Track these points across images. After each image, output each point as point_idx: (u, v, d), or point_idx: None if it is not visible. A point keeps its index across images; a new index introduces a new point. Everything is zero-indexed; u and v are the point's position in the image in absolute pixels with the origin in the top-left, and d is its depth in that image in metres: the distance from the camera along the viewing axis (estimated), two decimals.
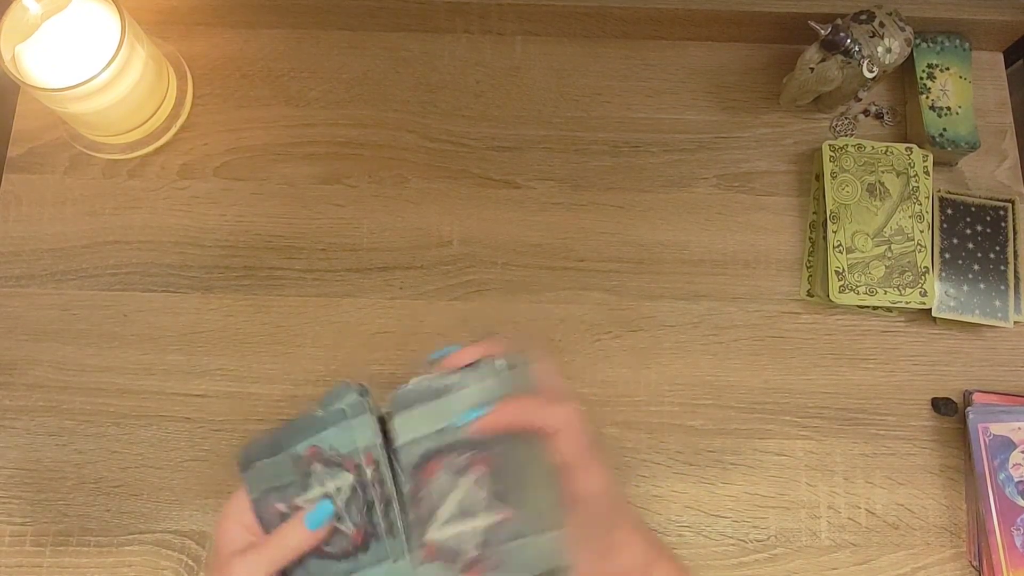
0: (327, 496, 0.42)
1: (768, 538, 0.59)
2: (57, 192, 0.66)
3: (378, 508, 0.41)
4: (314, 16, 0.70)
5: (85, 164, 0.67)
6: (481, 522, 0.39)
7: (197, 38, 0.70)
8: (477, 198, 0.67)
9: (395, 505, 0.41)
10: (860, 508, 0.60)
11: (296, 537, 0.41)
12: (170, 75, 0.67)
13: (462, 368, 0.42)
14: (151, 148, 0.66)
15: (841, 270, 0.62)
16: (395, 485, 0.42)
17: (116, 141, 0.66)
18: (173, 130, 0.67)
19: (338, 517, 0.41)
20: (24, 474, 0.59)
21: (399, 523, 0.41)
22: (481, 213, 0.66)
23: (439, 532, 0.40)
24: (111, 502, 0.59)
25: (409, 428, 0.42)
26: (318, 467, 0.43)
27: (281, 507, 0.42)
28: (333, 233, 0.65)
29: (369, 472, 0.42)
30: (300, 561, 0.42)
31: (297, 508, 0.42)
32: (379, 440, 0.42)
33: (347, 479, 0.42)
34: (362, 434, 0.42)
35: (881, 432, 0.62)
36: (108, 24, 0.60)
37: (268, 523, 0.43)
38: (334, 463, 0.43)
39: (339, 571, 0.42)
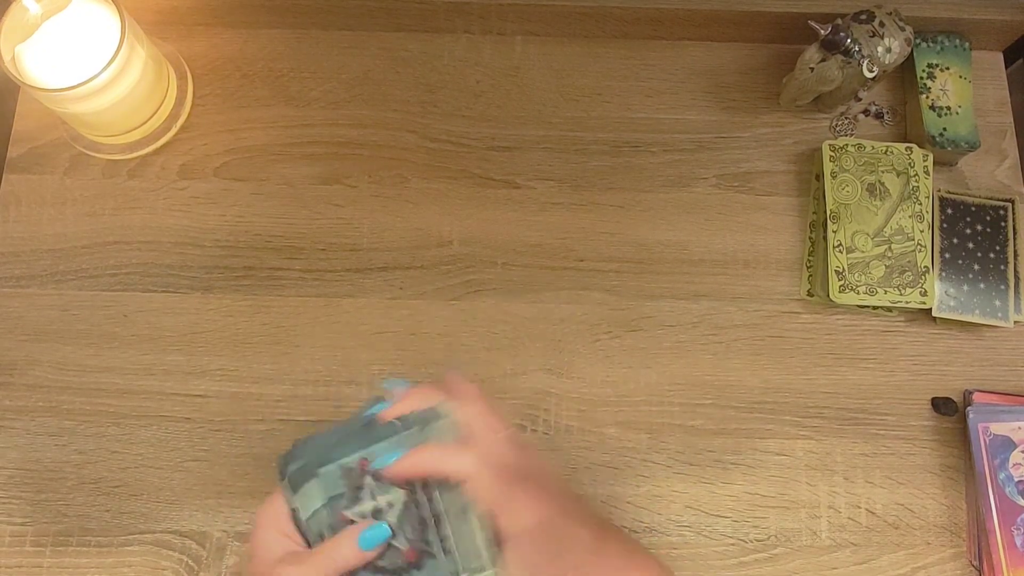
0: (378, 509, 0.42)
1: (768, 538, 0.59)
2: (57, 192, 0.66)
3: (432, 526, 0.41)
4: (314, 16, 0.70)
5: (85, 164, 0.67)
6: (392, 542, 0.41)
7: (197, 38, 0.70)
8: (477, 198, 0.67)
9: (446, 523, 0.41)
10: (860, 508, 0.60)
11: (347, 553, 0.40)
12: (170, 75, 0.67)
13: (380, 426, 0.43)
14: (151, 148, 0.66)
15: (841, 270, 0.62)
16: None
17: (116, 141, 0.66)
18: (173, 130, 0.67)
19: (392, 534, 0.41)
20: (24, 474, 0.59)
21: (452, 542, 0.41)
22: (481, 213, 0.66)
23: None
24: (111, 502, 0.59)
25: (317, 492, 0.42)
26: (369, 480, 0.43)
27: (347, 515, 0.42)
28: (333, 233, 0.65)
29: (420, 489, 0.42)
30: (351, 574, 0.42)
31: (349, 521, 0.42)
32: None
33: (399, 495, 0.42)
34: (443, 436, 0.43)
35: (881, 432, 0.62)
36: (108, 24, 0.60)
37: (309, 532, 0.42)
38: (386, 478, 0.43)
39: None
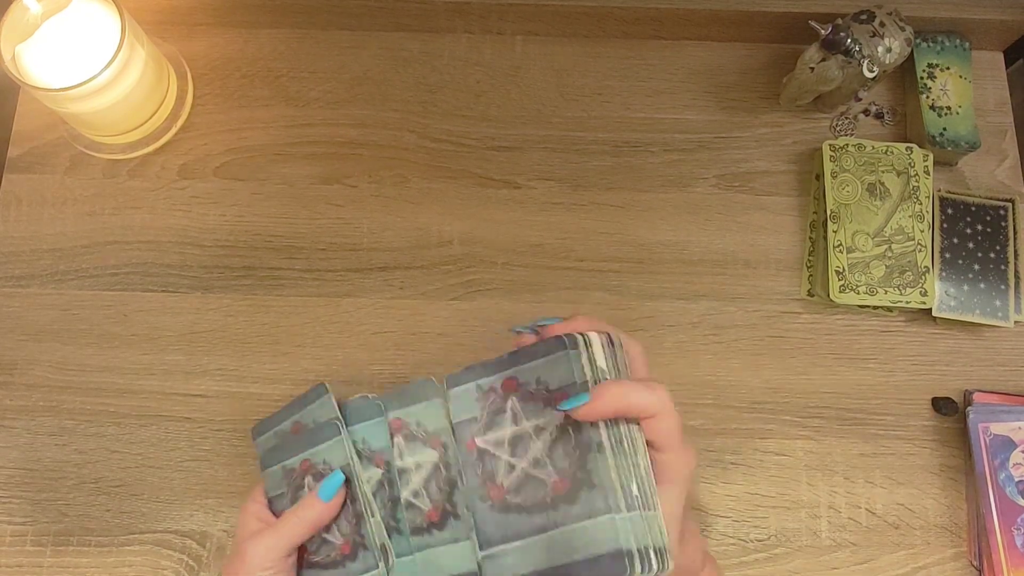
0: (404, 469, 0.41)
1: (768, 538, 0.59)
2: (57, 192, 0.66)
3: (459, 488, 0.39)
4: (314, 16, 0.70)
5: (85, 164, 0.67)
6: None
7: (197, 38, 0.70)
8: (477, 198, 0.67)
9: (460, 485, 0.39)
10: (860, 508, 0.60)
11: (312, 512, 0.41)
12: (170, 75, 0.67)
13: (528, 347, 0.39)
14: (151, 148, 0.66)
15: (841, 270, 0.62)
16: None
17: (116, 141, 0.66)
18: (173, 130, 0.67)
19: (344, 478, 0.41)
20: (24, 474, 0.59)
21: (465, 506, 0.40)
22: (481, 213, 0.66)
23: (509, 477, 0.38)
24: (111, 502, 0.59)
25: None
26: (400, 440, 0.42)
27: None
28: (333, 233, 0.65)
29: (449, 452, 0.40)
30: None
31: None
32: (449, 421, 0.41)
33: (431, 456, 0.41)
34: (440, 415, 0.41)
35: (881, 432, 0.62)
36: (108, 24, 0.60)
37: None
38: (418, 439, 0.41)
39: (410, 546, 0.40)
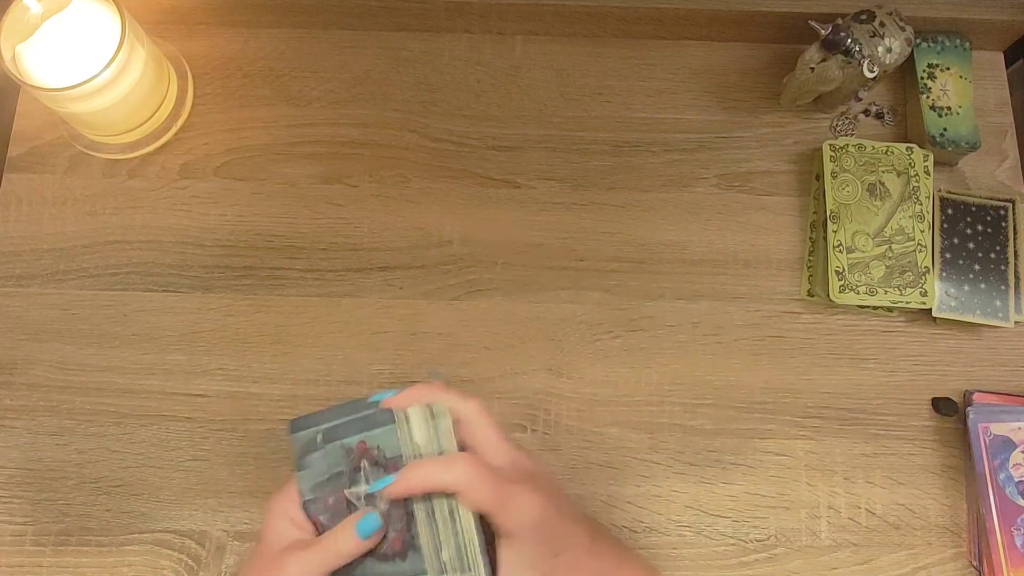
0: (371, 494, 0.42)
1: (768, 538, 0.59)
2: (57, 192, 0.66)
3: (416, 520, 0.42)
4: (314, 16, 0.70)
5: (85, 164, 0.67)
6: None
7: (197, 38, 0.70)
8: (477, 198, 0.67)
9: (434, 525, 0.42)
10: (860, 508, 0.60)
11: (347, 542, 0.41)
12: (170, 75, 0.67)
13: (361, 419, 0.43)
14: (151, 148, 0.66)
15: (841, 270, 0.62)
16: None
17: (116, 141, 0.66)
18: (173, 130, 0.67)
19: (383, 523, 0.42)
20: (24, 474, 0.59)
21: (438, 542, 0.42)
22: (481, 213, 0.66)
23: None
24: (111, 502, 0.59)
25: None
26: (366, 464, 0.43)
27: (331, 501, 0.43)
28: (333, 233, 0.65)
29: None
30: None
31: (347, 501, 0.43)
32: (417, 448, 0.43)
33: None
34: (395, 442, 0.43)
35: (881, 432, 0.62)
36: (108, 24, 0.60)
37: (323, 521, 0.43)
38: (380, 465, 0.43)
39: (382, 571, 0.42)
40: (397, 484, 0.40)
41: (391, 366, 0.62)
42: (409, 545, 0.41)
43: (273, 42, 0.71)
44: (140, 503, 0.59)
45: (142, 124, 0.65)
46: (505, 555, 0.40)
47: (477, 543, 0.41)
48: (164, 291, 0.64)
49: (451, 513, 0.41)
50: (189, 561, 0.57)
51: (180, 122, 0.67)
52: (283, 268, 0.64)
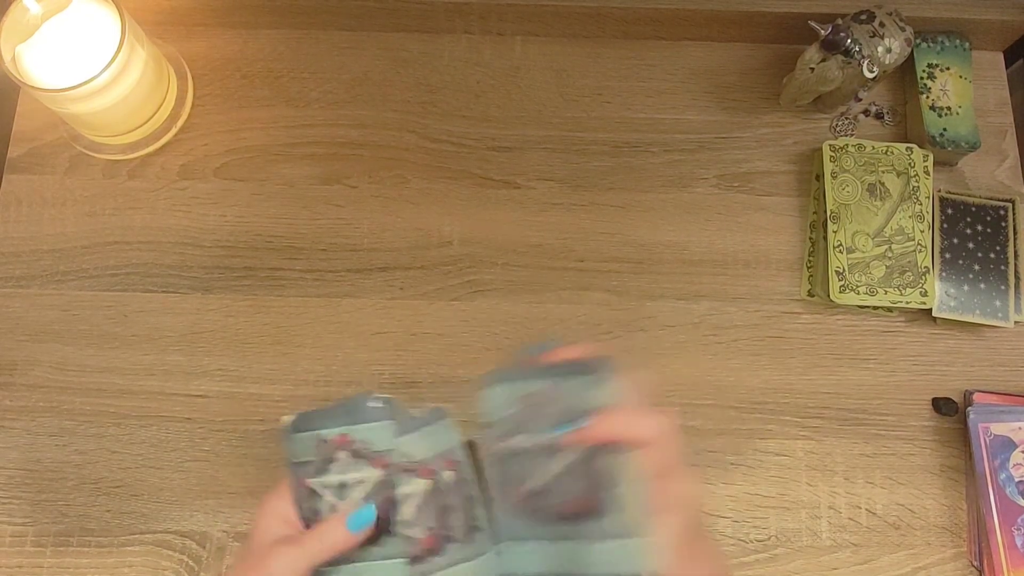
0: (343, 484, 0.41)
1: (769, 538, 0.59)
2: (57, 192, 0.66)
3: (461, 509, 0.41)
4: (314, 16, 0.70)
5: (85, 165, 0.67)
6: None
7: (197, 38, 0.70)
8: (477, 198, 0.67)
9: (478, 505, 0.41)
10: (861, 508, 0.60)
11: (337, 536, 0.41)
12: (170, 76, 0.67)
13: (556, 367, 0.41)
14: (151, 149, 0.66)
15: (841, 270, 0.62)
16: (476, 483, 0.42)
17: (116, 142, 0.66)
18: (173, 131, 0.67)
19: (376, 516, 0.41)
20: (25, 474, 0.59)
21: (482, 522, 0.41)
22: (481, 213, 0.66)
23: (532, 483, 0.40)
24: (111, 502, 0.59)
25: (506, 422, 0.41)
26: (343, 455, 0.43)
27: (308, 482, 0.42)
28: (333, 233, 0.65)
29: (447, 475, 0.42)
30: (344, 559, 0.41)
31: (309, 490, 0.42)
32: (459, 440, 0.43)
33: (373, 475, 0.42)
34: (443, 439, 0.43)
35: (881, 432, 0.62)
36: (108, 25, 0.60)
37: (303, 509, 0.43)
38: (364, 457, 0.42)
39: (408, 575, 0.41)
40: (594, 427, 0.38)
41: (391, 366, 0.62)
42: (447, 538, 0.41)
43: (272, 43, 0.71)
44: (140, 504, 0.59)
45: (142, 125, 0.65)
46: (659, 530, 0.38)
47: (642, 508, 0.38)
48: (164, 292, 0.64)
49: (618, 472, 0.39)
50: (189, 562, 0.57)
51: (180, 123, 0.67)
52: (283, 269, 0.64)
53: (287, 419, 0.44)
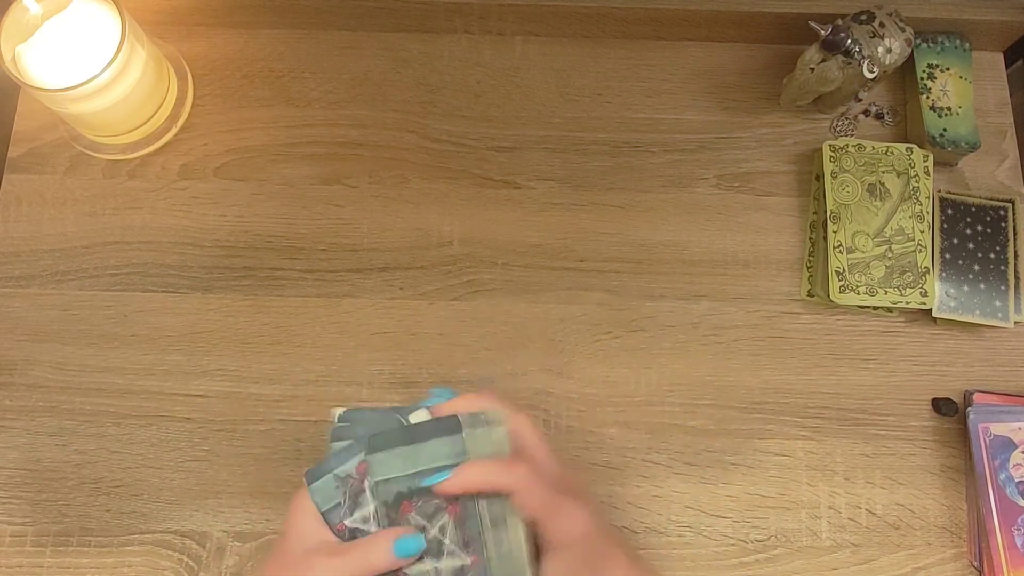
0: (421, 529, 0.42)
1: (768, 538, 0.59)
2: (57, 192, 0.66)
3: (478, 537, 0.41)
4: (314, 16, 0.70)
5: (85, 164, 0.67)
6: (447, 564, 0.40)
7: (197, 38, 0.70)
8: (477, 198, 0.67)
9: (488, 533, 0.41)
10: (860, 508, 0.60)
11: (381, 555, 0.40)
12: (170, 76, 0.67)
13: (436, 419, 0.43)
14: (151, 148, 0.66)
15: (841, 270, 0.62)
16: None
17: (116, 141, 0.66)
18: (173, 131, 0.67)
19: (426, 548, 0.41)
20: (24, 474, 0.59)
21: (492, 551, 0.41)
22: (481, 213, 0.66)
23: (411, 570, 0.41)
24: (111, 502, 0.59)
25: (386, 467, 0.42)
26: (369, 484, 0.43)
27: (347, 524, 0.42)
28: (333, 233, 0.65)
29: (465, 499, 0.42)
30: None
31: (349, 530, 0.42)
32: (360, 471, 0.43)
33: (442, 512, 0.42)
34: (497, 444, 0.43)
35: (881, 432, 0.62)
36: (108, 24, 0.60)
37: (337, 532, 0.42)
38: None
39: None
40: (454, 479, 0.40)
41: (391, 366, 0.62)
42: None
43: (272, 43, 0.71)
44: (140, 504, 0.59)
45: (142, 125, 0.65)
46: (549, 566, 0.40)
47: (525, 551, 0.40)
48: (164, 292, 0.64)
49: (501, 520, 0.41)
50: (189, 562, 0.57)
51: (180, 123, 0.67)
52: (283, 269, 0.64)
53: (337, 412, 0.44)
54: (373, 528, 0.41)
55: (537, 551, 0.41)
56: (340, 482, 0.42)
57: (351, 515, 0.42)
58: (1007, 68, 0.72)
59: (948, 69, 0.68)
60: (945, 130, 0.66)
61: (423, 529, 0.41)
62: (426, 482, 0.41)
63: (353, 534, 0.42)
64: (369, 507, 0.42)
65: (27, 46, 0.59)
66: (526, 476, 0.40)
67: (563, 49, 0.71)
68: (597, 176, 0.67)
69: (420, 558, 0.41)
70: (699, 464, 0.61)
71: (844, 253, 0.62)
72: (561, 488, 0.41)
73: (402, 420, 0.44)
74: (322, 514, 0.42)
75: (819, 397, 0.62)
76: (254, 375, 0.62)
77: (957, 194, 0.66)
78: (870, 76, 0.61)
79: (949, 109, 0.67)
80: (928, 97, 0.67)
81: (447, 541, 0.41)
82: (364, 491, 0.42)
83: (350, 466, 0.42)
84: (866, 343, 0.64)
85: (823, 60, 0.61)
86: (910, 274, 0.62)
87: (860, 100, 0.67)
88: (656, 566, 0.58)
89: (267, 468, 0.60)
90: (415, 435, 0.42)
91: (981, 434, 0.59)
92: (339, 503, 0.42)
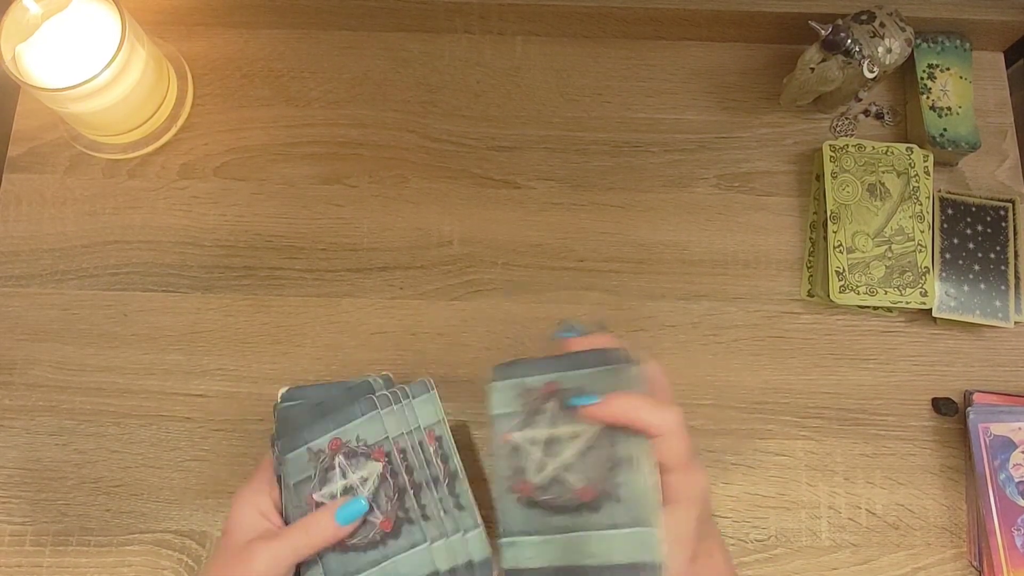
0: (351, 490, 0.41)
1: (768, 538, 0.59)
2: (57, 192, 0.66)
3: (412, 492, 0.41)
4: (314, 16, 0.70)
5: (85, 164, 0.67)
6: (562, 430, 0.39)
7: (197, 38, 0.70)
8: (477, 198, 0.67)
9: (437, 487, 0.41)
10: (860, 508, 0.60)
11: (324, 529, 0.40)
12: (170, 75, 0.67)
13: (568, 358, 0.41)
14: (151, 148, 0.66)
15: (841, 270, 0.62)
16: (447, 465, 0.42)
17: (116, 141, 0.66)
18: (173, 130, 0.67)
19: (368, 508, 0.41)
20: (24, 474, 0.59)
21: (447, 502, 0.41)
22: (481, 213, 0.66)
23: (538, 476, 0.39)
24: (111, 502, 0.59)
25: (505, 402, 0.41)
26: (341, 460, 0.43)
27: (316, 498, 0.42)
28: (333, 233, 0.65)
29: (402, 457, 0.42)
30: (318, 555, 0.41)
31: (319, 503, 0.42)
32: (441, 417, 0.43)
33: (375, 468, 0.42)
34: (421, 413, 0.42)
35: (881, 432, 0.62)
36: (108, 24, 0.60)
37: (292, 513, 0.42)
38: (360, 454, 0.42)
39: (365, 562, 0.41)
40: (602, 405, 0.38)
41: (391, 366, 0.62)
42: (404, 520, 0.41)
43: (272, 43, 0.71)
44: (140, 503, 0.59)
45: (142, 124, 0.65)
46: (671, 519, 0.38)
47: (653, 499, 0.38)
48: (164, 291, 0.64)
49: (634, 461, 0.39)
50: (189, 561, 0.57)
51: (180, 122, 0.67)
52: (283, 268, 0.64)
53: (282, 391, 0.44)
54: (531, 451, 0.40)
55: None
56: (313, 456, 0.42)
57: (319, 489, 0.42)
58: (1007, 68, 0.72)
59: (948, 69, 0.68)
60: (945, 130, 0.66)
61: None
62: (574, 401, 0.39)
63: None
64: (337, 484, 0.42)
65: (27, 46, 0.59)
66: (676, 422, 0.39)
67: (563, 49, 0.71)
68: (597, 176, 0.67)
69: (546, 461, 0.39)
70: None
71: (844, 253, 0.62)
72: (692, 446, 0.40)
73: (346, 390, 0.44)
74: (293, 485, 0.42)
75: (819, 397, 0.62)
76: (254, 375, 0.62)
77: (957, 194, 0.66)
78: (870, 76, 0.61)
79: (949, 109, 0.67)
80: (928, 97, 0.67)
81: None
82: (334, 468, 0.42)
83: (322, 441, 0.43)
84: (866, 343, 0.64)
85: (823, 60, 0.61)
86: (910, 274, 0.62)
87: (860, 100, 0.67)
88: None
89: None
90: (573, 362, 0.40)
91: (981, 434, 0.59)
92: (309, 476, 0.42)
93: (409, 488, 0.41)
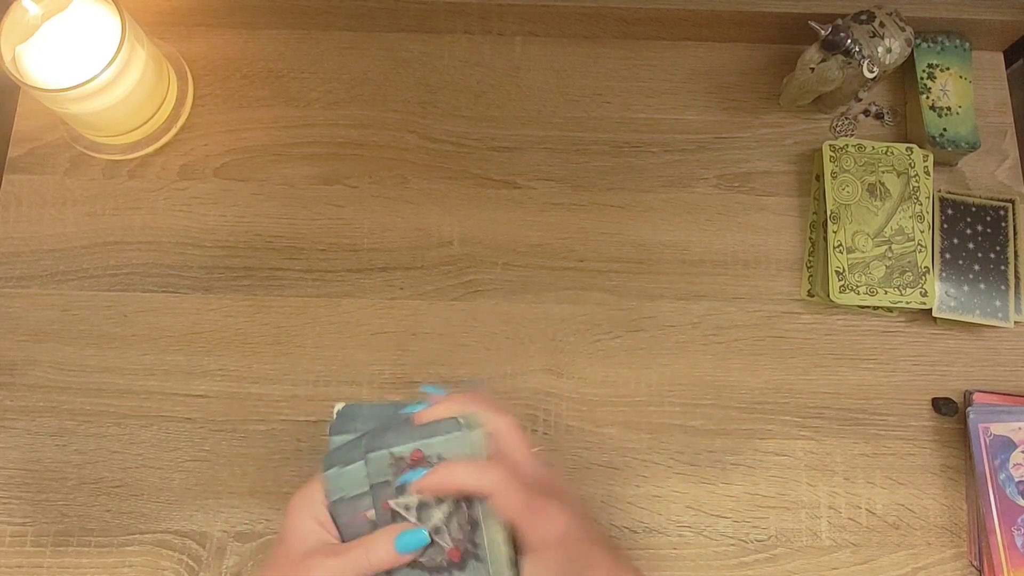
0: (424, 504, 0.41)
1: (768, 538, 0.59)
2: (57, 193, 0.66)
3: (483, 529, 0.41)
4: (314, 16, 0.70)
5: (85, 165, 0.67)
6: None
7: (197, 38, 0.70)
8: (477, 198, 0.67)
9: (482, 530, 0.41)
10: (860, 508, 0.60)
11: (382, 553, 0.40)
12: (170, 76, 0.67)
13: (434, 422, 0.43)
14: (151, 149, 0.66)
15: (841, 270, 0.62)
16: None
17: (116, 142, 0.66)
18: (173, 131, 0.67)
19: (431, 541, 0.41)
20: (24, 474, 0.59)
21: (485, 549, 0.41)
22: (481, 213, 0.66)
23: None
24: (111, 502, 0.59)
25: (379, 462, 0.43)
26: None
27: (370, 514, 0.42)
28: (333, 233, 0.65)
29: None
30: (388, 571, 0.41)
31: (391, 511, 0.42)
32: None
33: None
34: (476, 447, 0.42)
35: (881, 432, 0.62)
36: (108, 25, 0.60)
37: (347, 526, 0.42)
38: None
39: None
40: (429, 478, 0.40)
41: (391, 366, 0.62)
42: (472, 555, 0.41)
43: (273, 43, 0.71)
44: (140, 504, 0.59)
45: (142, 125, 0.65)
46: (529, 569, 0.40)
47: (504, 553, 0.40)
48: (164, 292, 0.64)
49: (480, 522, 0.41)
50: (190, 562, 0.57)
51: (180, 123, 0.67)
52: (283, 269, 0.64)
53: (353, 438, 0.44)
54: (414, 517, 0.42)
55: (518, 553, 0.41)
56: (395, 461, 0.43)
57: (396, 497, 0.42)
58: (1007, 68, 0.72)
59: (948, 69, 0.68)
60: (945, 130, 0.66)
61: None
62: (403, 479, 0.41)
63: (394, 517, 0.42)
64: (414, 497, 0.42)
65: (27, 46, 0.59)
66: (501, 479, 0.40)
67: (563, 49, 0.71)
68: (597, 176, 0.67)
69: (423, 552, 0.41)
70: (699, 464, 0.61)
71: (844, 253, 0.62)
72: (541, 490, 0.41)
73: (400, 415, 0.44)
74: (337, 502, 0.42)
75: (819, 397, 0.62)
76: (254, 375, 0.62)
77: (957, 194, 0.66)
78: (870, 76, 0.61)
79: (949, 109, 0.67)
80: (928, 97, 0.67)
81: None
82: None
83: (406, 449, 0.43)
84: (866, 343, 0.64)
85: (823, 60, 0.61)
86: (910, 274, 0.62)
87: (860, 100, 0.67)
88: (655, 566, 0.58)
89: (267, 468, 0.60)
90: (431, 431, 0.42)
91: (981, 434, 0.59)
92: (387, 480, 0.43)
93: (481, 523, 0.41)
